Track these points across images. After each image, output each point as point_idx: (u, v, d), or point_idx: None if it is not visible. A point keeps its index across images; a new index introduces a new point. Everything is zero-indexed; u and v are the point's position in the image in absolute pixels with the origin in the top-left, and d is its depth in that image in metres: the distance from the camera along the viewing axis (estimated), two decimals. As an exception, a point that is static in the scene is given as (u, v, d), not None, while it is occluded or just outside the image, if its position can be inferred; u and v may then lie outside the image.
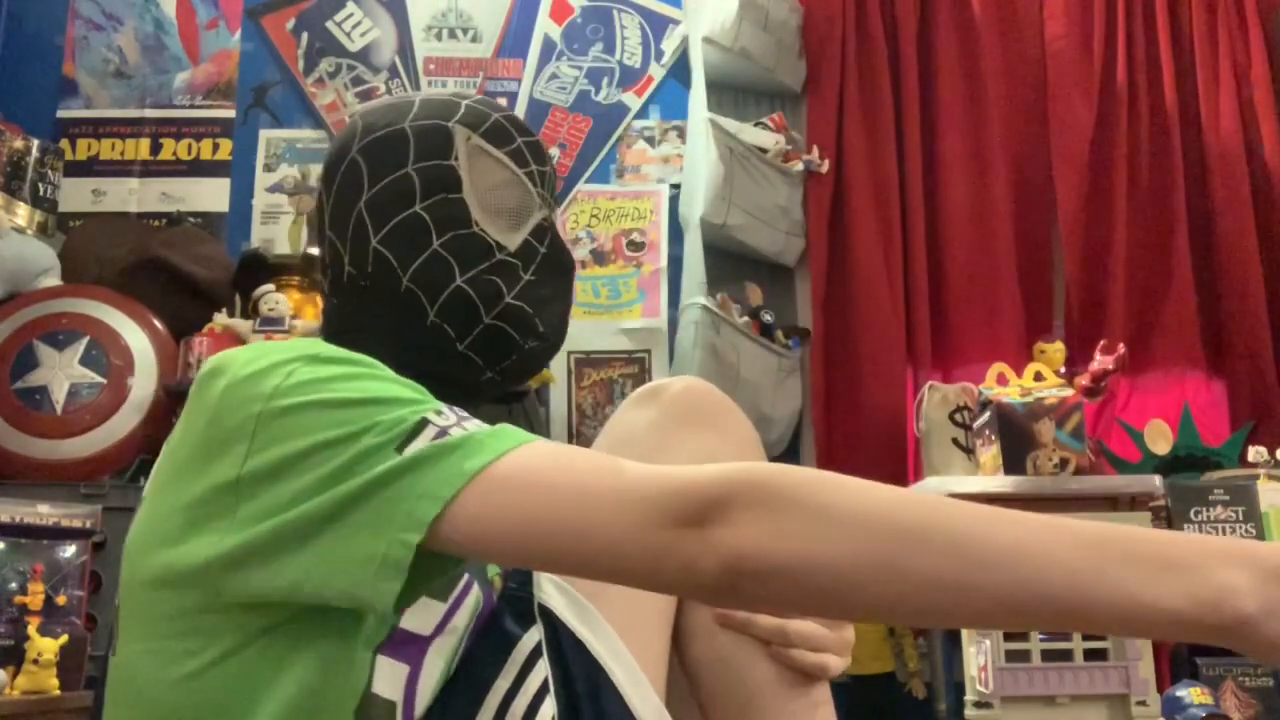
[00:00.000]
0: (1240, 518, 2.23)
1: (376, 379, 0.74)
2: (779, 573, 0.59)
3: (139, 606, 0.76)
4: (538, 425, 2.59)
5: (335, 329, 0.93)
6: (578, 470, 0.66)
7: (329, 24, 2.97)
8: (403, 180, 0.91)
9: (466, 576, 0.82)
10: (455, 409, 0.73)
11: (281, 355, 0.74)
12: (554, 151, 2.93)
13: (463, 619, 0.81)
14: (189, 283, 2.50)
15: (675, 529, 0.61)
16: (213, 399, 0.73)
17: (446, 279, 0.89)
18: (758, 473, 0.61)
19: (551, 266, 0.94)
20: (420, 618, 0.77)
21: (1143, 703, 2.05)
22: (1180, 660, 2.14)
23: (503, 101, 2.94)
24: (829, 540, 0.58)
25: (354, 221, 0.91)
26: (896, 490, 0.61)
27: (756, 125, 2.82)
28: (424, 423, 0.69)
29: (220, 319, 2.44)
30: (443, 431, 0.69)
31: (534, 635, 0.81)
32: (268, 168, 2.87)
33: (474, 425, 0.71)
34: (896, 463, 2.64)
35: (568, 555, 0.65)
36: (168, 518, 0.74)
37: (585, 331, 2.80)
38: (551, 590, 0.83)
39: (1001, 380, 2.37)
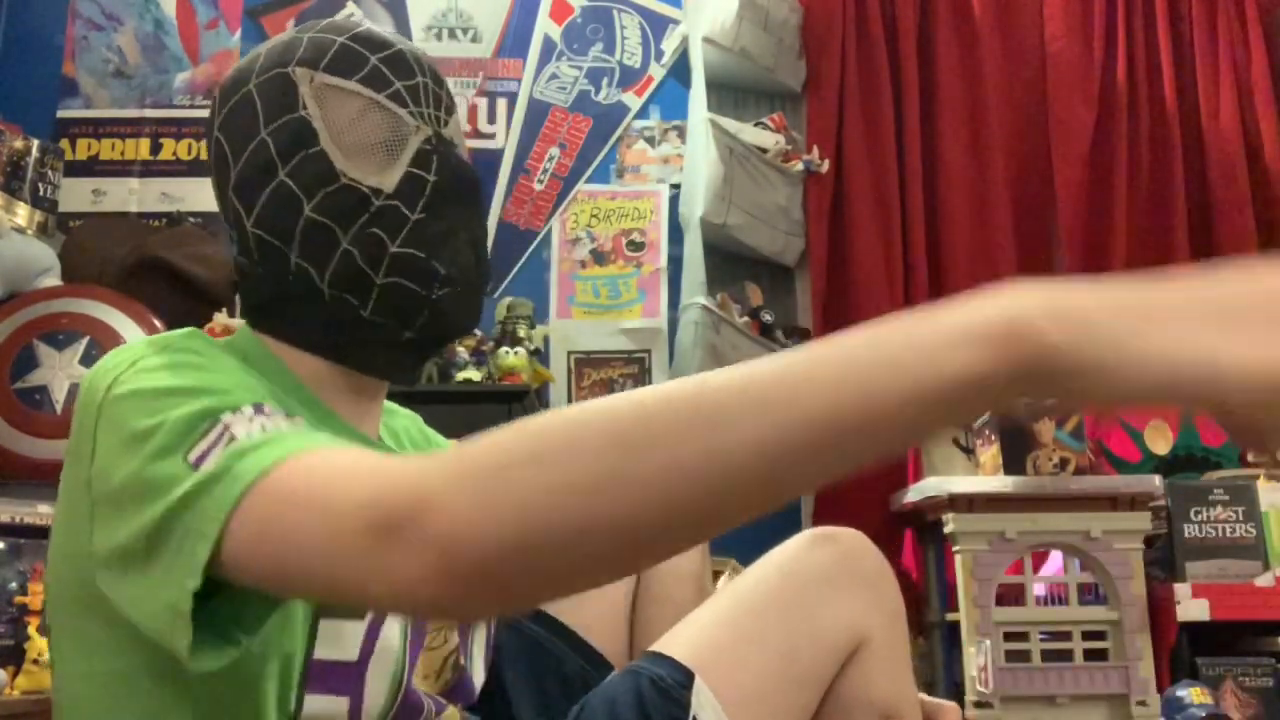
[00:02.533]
0: (1240, 518, 2.22)
1: (205, 370, 0.68)
2: (502, 550, 0.46)
3: (61, 616, 0.73)
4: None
5: (251, 318, 0.86)
6: (314, 489, 0.55)
7: (329, 24, 2.96)
8: (260, 150, 0.81)
9: None
10: (267, 407, 0.64)
11: (137, 349, 0.71)
12: (554, 151, 2.92)
13: (394, 633, 0.77)
14: (189, 283, 2.50)
15: (371, 541, 0.49)
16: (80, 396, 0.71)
17: (331, 244, 0.80)
18: (455, 453, 0.50)
19: (445, 194, 0.82)
20: (336, 644, 0.73)
21: (1143, 703, 2.05)
22: (1180, 660, 2.13)
23: (501, 103, 2.94)
24: (544, 485, 0.45)
25: (230, 208, 0.84)
26: (608, 400, 0.48)
27: (756, 125, 2.82)
28: (213, 424, 0.62)
29: (220, 319, 2.43)
30: (228, 439, 0.61)
31: None
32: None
33: (263, 432, 0.61)
34: (896, 463, 2.64)
35: (301, 585, 0.56)
36: (62, 526, 0.72)
37: (585, 331, 2.80)
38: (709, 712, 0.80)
39: (1001, 380, 2.37)
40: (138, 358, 0.69)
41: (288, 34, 0.86)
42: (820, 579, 0.87)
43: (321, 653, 0.72)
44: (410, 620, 0.78)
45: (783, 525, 3.00)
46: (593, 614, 0.97)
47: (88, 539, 0.66)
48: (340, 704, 0.73)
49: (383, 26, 0.89)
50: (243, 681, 0.69)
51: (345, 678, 0.73)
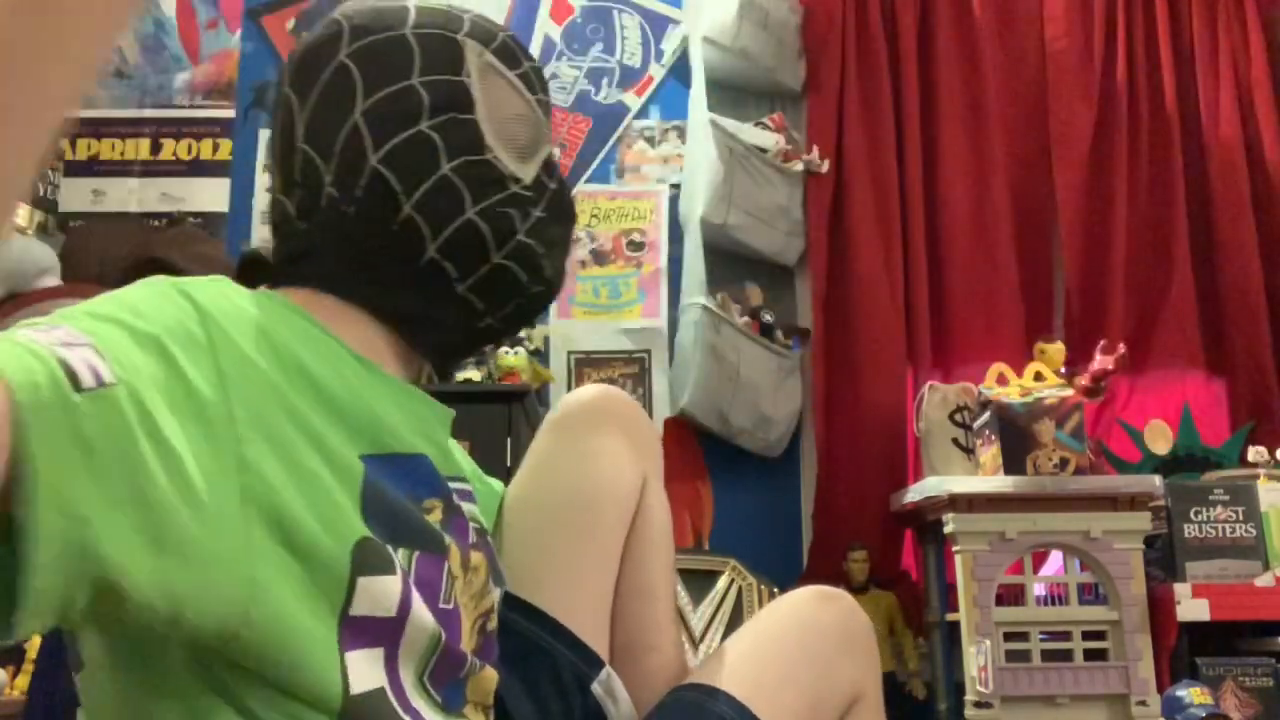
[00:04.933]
0: (1240, 518, 2.22)
1: (137, 296, 0.67)
2: None
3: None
4: (538, 425, 2.59)
5: (297, 256, 0.81)
6: None
7: (329, 24, 2.97)
8: (407, 94, 0.80)
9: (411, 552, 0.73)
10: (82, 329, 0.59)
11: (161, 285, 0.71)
12: (553, 151, 2.92)
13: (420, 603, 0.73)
14: (189, 283, 2.50)
15: None
16: None
17: (455, 210, 0.79)
18: None
19: (560, 206, 0.87)
20: (376, 600, 0.69)
21: (1143, 703, 2.05)
22: (1180, 660, 2.14)
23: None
24: None
25: (345, 135, 0.79)
26: None
27: (756, 125, 2.82)
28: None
29: (220, 319, 2.44)
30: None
31: None
32: (268, 168, 2.87)
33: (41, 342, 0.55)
34: (896, 463, 2.64)
35: None
36: None
37: (585, 331, 2.80)
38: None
39: (1001, 380, 2.37)
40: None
41: (437, 4, 0.85)
42: (834, 636, 0.95)
43: (357, 609, 0.68)
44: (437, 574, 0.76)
45: (783, 526, 2.98)
46: (580, 607, 0.98)
47: None
48: (376, 655, 0.70)
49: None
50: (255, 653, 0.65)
51: (389, 628, 0.70)
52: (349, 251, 0.80)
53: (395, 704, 0.71)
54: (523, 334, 2.50)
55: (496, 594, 0.87)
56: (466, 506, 0.85)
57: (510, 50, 0.85)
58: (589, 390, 1.09)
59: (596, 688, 0.94)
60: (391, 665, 0.71)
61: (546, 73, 2.95)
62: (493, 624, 0.87)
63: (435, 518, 0.77)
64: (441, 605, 0.75)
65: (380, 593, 0.69)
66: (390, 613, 0.70)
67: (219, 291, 0.69)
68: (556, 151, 0.91)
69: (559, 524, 1.00)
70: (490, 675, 0.83)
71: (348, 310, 0.79)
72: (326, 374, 0.72)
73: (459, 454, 0.91)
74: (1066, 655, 2.11)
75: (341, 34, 0.82)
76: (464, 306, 0.82)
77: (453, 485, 0.83)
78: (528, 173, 0.84)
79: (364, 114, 0.79)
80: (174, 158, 2.87)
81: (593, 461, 1.01)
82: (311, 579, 0.66)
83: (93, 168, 2.84)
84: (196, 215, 2.79)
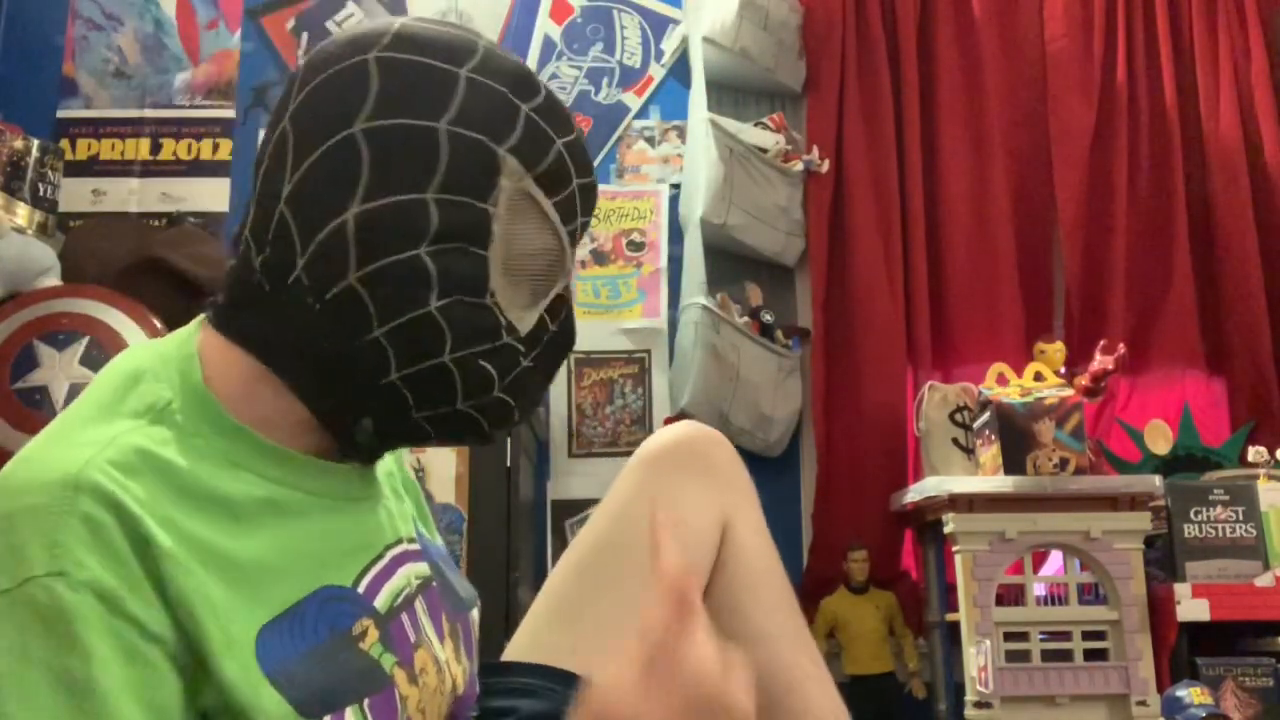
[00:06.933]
0: (1240, 518, 2.22)
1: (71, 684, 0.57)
2: None
3: None
4: (537, 426, 2.59)
5: (244, 306, 0.72)
6: None
7: (329, 24, 2.97)
8: (414, 209, 0.67)
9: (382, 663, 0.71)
10: None
11: (41, 542, 0.58)
12: (566, 286, 2.90)
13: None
14: (189, 283, 2.50)
15: None
16: None
17: (432, 350, 0.69)
18: None
19: (554, 349, 0.77)
20: None
21: (1143, 703, 2.05)
22: (1180, 660, 2.13)
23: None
24: None
25: (332, 228, 0.68)
26: None
27: (756, 125, 2.82)
28: None
29: (220, 319, 2.43)
30: None
31: None
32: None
33: None
34: (896, 463, 2.64)
35: None
36: None
37: (585, 331, 2.79)
38: None
39: (1001, 380, 2.37)
40: (40, 565, 0.58)
41: (505, 69, 0.74)
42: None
43: None
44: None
45: (783, 526, 2.99)
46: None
47: None
48: None
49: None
50: None
51: None
52: (304, 345, 0.70)
53: None
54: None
55: (466, 665, 0.84)
56: (408, 572, 0.79)
57: (560, 171, 0.72)
58: (671, 431, 1.06)
59: None
60: None
61: (546, 73, 2.96)
62: (461, 689, 0.83)
63: (371, 639, 0.71)
64: None
65: None
66: None
67: (101, 535, 0.59)
68: (571, 283, 0.78)
69: (626, 568, 0.98)
70: None
71: (270, 380, 0.71)
72: (218, 529, 0.65)
73: (395, 508, 0.83)
74: (1066, 655, 2.11)
75: (367, 89, 0.69)
76: (408, 429, 0.73)
77: (391, 553, 0.77)
78: (528, 321, 0.73)
79: (358, 216, 0.67)
80: (174, 158, 2.87)
81: (666, 508, 0.98)
82: None
83: (93, 168, 2.84)
84: (196, 215, 2.79)
